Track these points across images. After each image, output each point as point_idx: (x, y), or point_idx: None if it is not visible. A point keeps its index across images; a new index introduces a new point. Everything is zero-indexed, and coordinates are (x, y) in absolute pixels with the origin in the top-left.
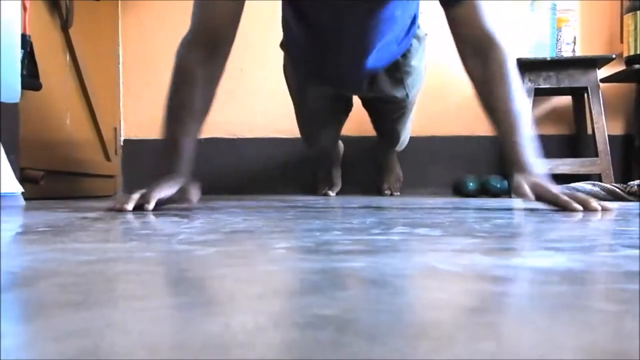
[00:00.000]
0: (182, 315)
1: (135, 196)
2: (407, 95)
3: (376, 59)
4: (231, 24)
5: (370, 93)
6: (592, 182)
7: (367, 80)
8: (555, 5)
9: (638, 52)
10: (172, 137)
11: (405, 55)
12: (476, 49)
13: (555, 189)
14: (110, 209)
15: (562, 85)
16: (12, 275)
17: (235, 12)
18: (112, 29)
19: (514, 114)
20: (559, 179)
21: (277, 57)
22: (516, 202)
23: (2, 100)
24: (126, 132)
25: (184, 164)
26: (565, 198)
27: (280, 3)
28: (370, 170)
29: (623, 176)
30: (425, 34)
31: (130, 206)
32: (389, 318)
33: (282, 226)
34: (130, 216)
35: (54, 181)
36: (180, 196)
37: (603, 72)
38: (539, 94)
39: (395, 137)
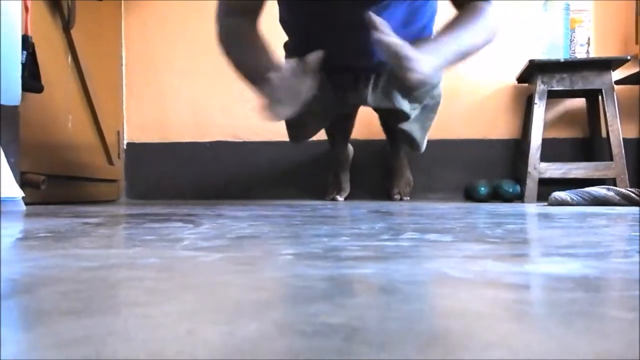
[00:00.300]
0: (186, 322)
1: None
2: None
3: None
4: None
5: (372, 97)
6: (607, 186)
7: (370, 84)
8: (568, 5)
9: None
10: (251, 65)
11: None
12: (471, 14)
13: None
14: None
15: (575, 87)
16: (13, 282)
17: None
18: (114, 29)
19: (452, 35)
20: (573, 183)
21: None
22: (529, 208)
23: (3, 102)
24: (129, 136)
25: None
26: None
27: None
28: (380, 174)
29: (638, 180)
30: None
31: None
32: (399, 326)
33: (288, 232)
34: (133, 221)
35: (55, 186)
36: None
37: (618, 74)
38: (552, 96)
39: (408, 136)
